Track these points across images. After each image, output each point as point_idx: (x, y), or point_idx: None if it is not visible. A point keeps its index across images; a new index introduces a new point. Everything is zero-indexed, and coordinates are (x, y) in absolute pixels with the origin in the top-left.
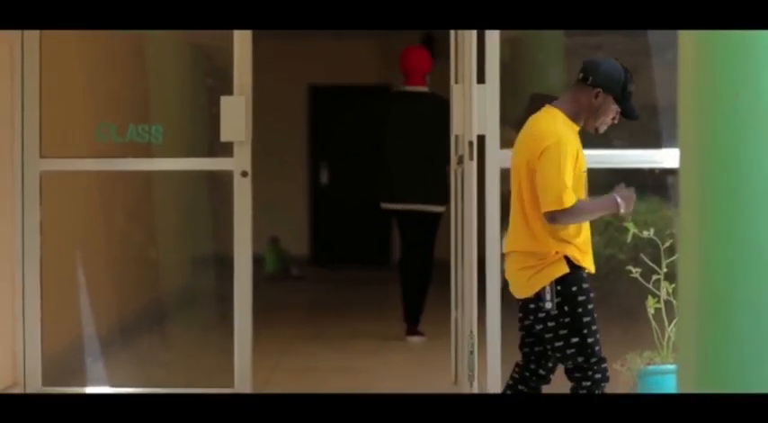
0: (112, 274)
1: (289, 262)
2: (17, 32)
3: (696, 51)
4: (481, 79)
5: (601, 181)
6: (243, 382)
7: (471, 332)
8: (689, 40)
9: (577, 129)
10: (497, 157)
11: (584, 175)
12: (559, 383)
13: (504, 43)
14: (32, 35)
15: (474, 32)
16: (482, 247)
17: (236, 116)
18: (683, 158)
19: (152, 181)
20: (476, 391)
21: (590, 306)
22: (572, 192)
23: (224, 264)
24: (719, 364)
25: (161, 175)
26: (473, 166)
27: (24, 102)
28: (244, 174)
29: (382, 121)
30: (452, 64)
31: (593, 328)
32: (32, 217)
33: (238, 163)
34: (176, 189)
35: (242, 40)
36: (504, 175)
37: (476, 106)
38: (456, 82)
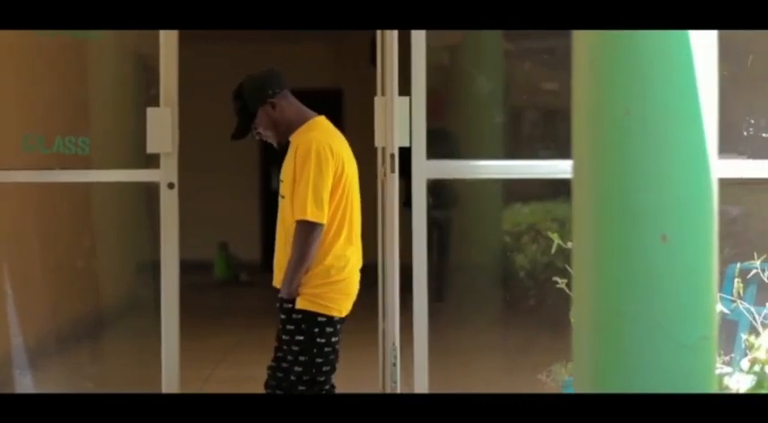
0: (43, 286)
1: (238, 267)
2: None
3: (588, 68)
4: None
5: (532, 191)
6: (170, 392)
7: (394, 344)
8: (581, 57)
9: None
10: (424, 168)
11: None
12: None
13: (443, 50)
14: None
15: (395, 44)
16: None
17: (162, 127)
18: (575, 174)
19: (87, 191)
20: None
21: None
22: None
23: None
24: (612, 379)
25: (95, 186)
26: (395, 179)
27: None
28: (170, 185)
29: None
30: (378, 76)
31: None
32: None
33: (165, 174)
34: (110, 199)
35: (168, 50)
36: (429, 185)
37: (397, 118)
38: (383, 94)
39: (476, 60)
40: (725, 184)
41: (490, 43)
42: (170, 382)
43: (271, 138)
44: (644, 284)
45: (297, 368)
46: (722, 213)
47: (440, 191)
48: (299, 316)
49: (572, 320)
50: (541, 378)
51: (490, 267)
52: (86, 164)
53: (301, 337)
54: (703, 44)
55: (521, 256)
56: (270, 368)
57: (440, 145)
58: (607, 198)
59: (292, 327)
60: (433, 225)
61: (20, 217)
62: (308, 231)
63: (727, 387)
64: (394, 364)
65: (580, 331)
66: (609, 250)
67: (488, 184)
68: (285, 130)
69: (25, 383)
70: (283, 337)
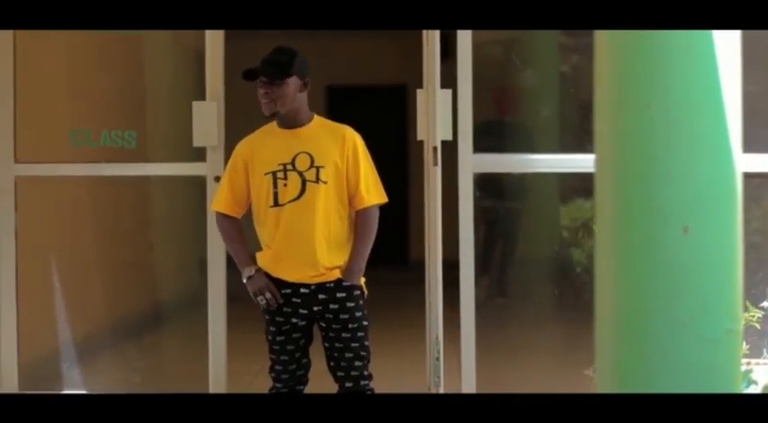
0: (91, 280)
1: None
2: None
3: (609, 62)
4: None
5: (574, 184)
6: (218, 387)
7: (437, 338)
8: (603, 50)
9: (277, 128)
10: (470, 162)
11: (268, 178)
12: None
13: (495, 44)
14: (5, 36)
15: (437, 36)
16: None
17: (208, 121)
18: (598, 169)
19: (141, 185)
20: None
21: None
22: (219, 200)
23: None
24: (636, 374)
25: (150, 179)
26: (438, 172)
27: None
28: (217, 179)
29: None
30: (424, 68)
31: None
32: (8, 222)
33: (211, 168)
34: (165, 193)
35: (214, 45)
36: (476, 179)
37: (439, 111)
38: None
39: (533, 54)
40: None
41: (546, 37)
42: (217, 376)
43: (274, 105)
44: (667, 278)
45: (366, 343)
46: None
47: (502, 184)
48: (359, 291)
49: (595, 315)
50: (589, 374)
51: (555, 262)
52: (133, 157)
53: (360, 313)
54: (727, 37)
55: (578, 252)
56: (344, 368)
57: (502, 138)
58: (628, 191)
59: (353, 304)
60: (497, 219)
61: (66, 211)
62: (378, 214)
63: (755, 382)
64: (437, 359)
65: (603, 326)
66: (631, 243)
67: (553, 178)
68: (292, 112)
69: (74, 376)
70: (350, 325)
